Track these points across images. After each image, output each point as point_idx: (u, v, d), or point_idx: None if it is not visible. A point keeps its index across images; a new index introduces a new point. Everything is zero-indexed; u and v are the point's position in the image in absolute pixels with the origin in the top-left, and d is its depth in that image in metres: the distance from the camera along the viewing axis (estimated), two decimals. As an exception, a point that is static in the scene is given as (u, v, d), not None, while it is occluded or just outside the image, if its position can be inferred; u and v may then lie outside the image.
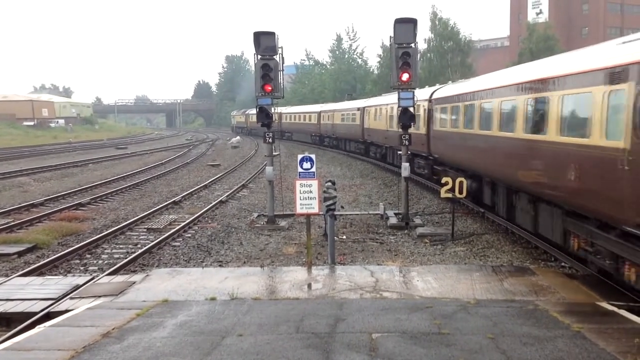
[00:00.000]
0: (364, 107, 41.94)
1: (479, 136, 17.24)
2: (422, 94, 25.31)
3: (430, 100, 24.95)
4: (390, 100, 31.68)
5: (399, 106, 17.56)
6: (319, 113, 57.90)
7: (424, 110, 25.25)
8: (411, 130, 18.46)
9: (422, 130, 25.23)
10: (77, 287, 11.32)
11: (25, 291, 11.09)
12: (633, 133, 8.77)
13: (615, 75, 9.40)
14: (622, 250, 9.54)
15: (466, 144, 18.98)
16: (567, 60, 12.54)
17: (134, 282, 11.53)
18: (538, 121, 12.84)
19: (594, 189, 10.17)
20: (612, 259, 10.02)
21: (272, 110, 17.80)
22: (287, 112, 69.46)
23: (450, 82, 29.78)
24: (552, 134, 11.91)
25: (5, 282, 11.81)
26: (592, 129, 10.17)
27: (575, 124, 11.17)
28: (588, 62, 10.93)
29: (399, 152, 19.49)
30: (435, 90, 25.32)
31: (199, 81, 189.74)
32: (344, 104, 53.84)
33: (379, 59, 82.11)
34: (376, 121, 37.14)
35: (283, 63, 17.55)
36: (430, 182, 25.64)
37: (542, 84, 12.73)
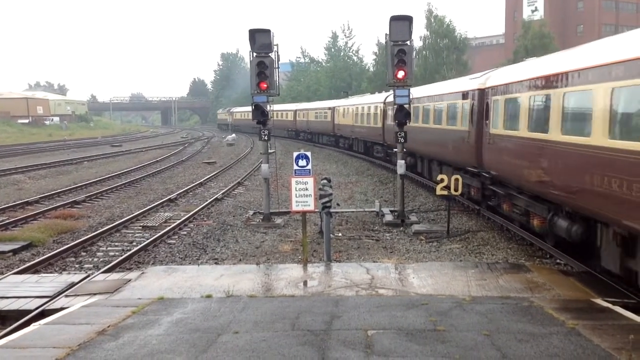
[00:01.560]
0: (334, 107, 50.77)
1: (419, 128, 23.78)
2: (378, 98, 37.36)
3: (384, 102, 33.70)
4: (356, 101, 44.01)
5: (394, 104, 17.57)
6: (295, 111, 66.29)
7: (380, 110, 34.63)
8: (370, 124, 23.44)
9: (379, 124, 34.82)
10: (73, 284, 11.30)
11: (20, 289, 11.07)
12: (470, 122, 17.48)
13: (465, 94, 18.57)
14: (471, 181, 18.41)
15: (411, 135, 20.38)
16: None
17: (130, 280, 11.51)
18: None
19: (458, 151, 18.93)
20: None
21: (268, 108, 17.79)
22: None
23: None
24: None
25: (0, 279, 11.78)
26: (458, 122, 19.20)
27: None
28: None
29: (373, 143, 27.25)
30: (389, 95, 31.12)
31: (195, 79, 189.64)
32: (316, 103, 63.14)
33: (374, 57, 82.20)
34: (345, 118, 46.24)
35: (278, 60, 17.52)
36: (385, 162, 34.69)
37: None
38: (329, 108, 52.46)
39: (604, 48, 10.56)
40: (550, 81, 12.21)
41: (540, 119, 12.73)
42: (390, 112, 28.90)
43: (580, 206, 11.01)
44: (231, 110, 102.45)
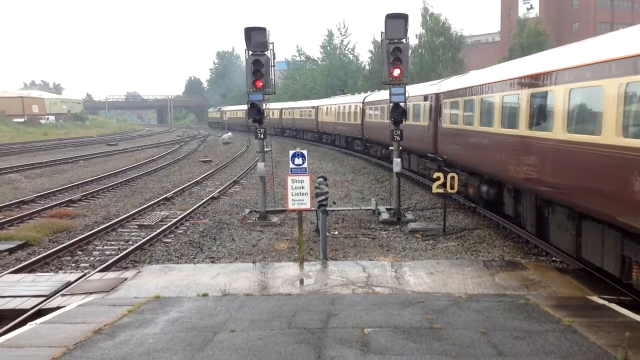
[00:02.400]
0: (317, 106, 55.12)
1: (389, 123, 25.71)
2: (358, 98, 42.20)
3: (363, 102, 38.83)
4: (338, 101, 48.46)
5: (390, 102, 17.59)
6: (281, 110, 71.03)
7: (360, 109, 39.24)
8: (350, 121, 31.92)
9: (359, 122, 39.48)
10: (69, 284, 11.29)
11: (16, 288, 11.05)
12: (429, 119, 21.90)
13: (425, 97, 23.30)
14: (431, 165, 22.73)
15: (381, 130, 31.32)
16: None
17: (126, 279, 11.50)
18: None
19: (421, 141, 23.43)
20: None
21: (264, 106, 17.78)
22: None
23: (378, 90, 42.45)
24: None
25: (-5, 279, 11.76)
26: (421, 119, 24.18)
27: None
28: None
29: (353, 138, 32.30)
30: (367, 96, 39.79)
31: (190, 77, 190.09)
32: (301, 103, 67.84)
33: (370, 55, 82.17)
34: (328, 116, 50.76)
35: (274, 59, 17.52)
36: (363, 154, 40.09)
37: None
38: (313, 107, 56.74)
39: (503, 70, 16.19)
40: (474, 90, 17.40)
41: (469, 116, 17.85)
42: (368, 111, 36.74)
43: (492, 174, 16.18)
44: (222, 109, 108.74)
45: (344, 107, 44.64)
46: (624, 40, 9.54)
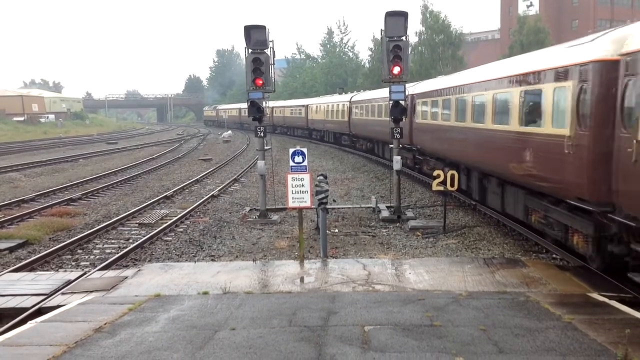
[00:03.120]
0: (307, 105, 59.13)
1: (375, 121, 34.14)
2: (345, 98, 46.49)
3: (350, 101, 43.20)
4: (327, 100, 52.54)
5: (390, 99, 17.58)
6: (272, 108, 72.80)
7: (347, 107, 43.52)
8: (338, 118, 39.46)
9: (346, 119, 43.78)
10: (69, 282, 11.30)
11: (16, 287, 11.07)
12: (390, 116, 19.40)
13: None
14: (407, 154, 26.38)
15: (366, 126, 37.65)
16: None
17: (126, 277, 11.51)
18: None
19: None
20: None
21: (264, 104, 17.76)
22: (244, 107, 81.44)
23: (364, 90, 49.09)
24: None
25: (-4, 278, 11.77)
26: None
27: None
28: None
29: (341, 134, 40.42)
30: (353, 96, 43.97)
31: (190, 75, 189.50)
32: (291, 101, 71.74)
33: (370, 53, 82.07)
34: (317, 114, 54.53)
35: (274, 57, 17.48)
36: (350, 148, 44.72)
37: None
38: (303, 105, 60.71)
39: (458, 78, 20.32)
40: (438, 92, 21.47)
41: (435, 113, 22.01)
42: (354, 110, 41.44)
43: (452, 158, 19.94)
44: (217, 108, 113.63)
45: (333, 105, 48.77)
46: (524, 61, 14.58)
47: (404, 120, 18.08)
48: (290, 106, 67.87)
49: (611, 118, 9.88)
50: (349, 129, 43.70)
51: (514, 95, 13.89)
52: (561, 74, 11.58)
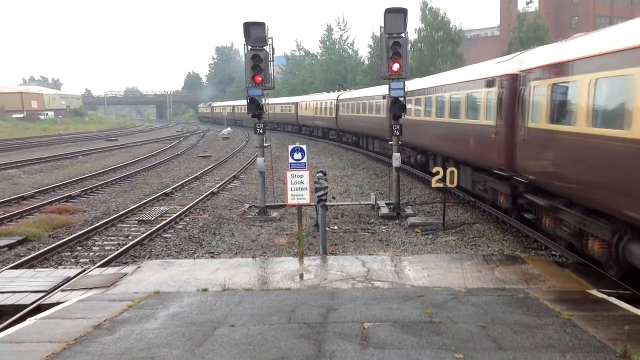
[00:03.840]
0: (297, 102, 63.50)
1: (357, 117, 39.37)
2: (333, 96, 50.96)
3: (337, 99, 47.34)
4: (316, 98, 57.79)
5: (389, 96, 17.58)
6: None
7: (334, 105, 47.62)
8: (326, 115, 47.20)
9: (334, 115, 47.91)
10: (68, 279, 11.30)
11: (16, 284, 11.06)
12: (387, 112, 22.07)
13: (383, 97, 29.45)
14: (384, 145, 32.01)
15: (351, 122, 42.19)
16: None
17: (126, 274, 11.51)
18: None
19: (382, 129, 30.50)
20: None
21: (263, 101, 17.75)
22: (237, 104, 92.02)
23: (351, 89, 54.61)
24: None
25: (-5, 275, 11.76)
26: (381, 112, 32.61)
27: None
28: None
29: (329, 129, 46.99)
30: (340, 95, 48.60)
31: (189, 72, 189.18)
32: (282, 99, 75.32)
33: (369, 49, 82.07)
34: (306, 111, 58.96)
35: (273, 54, 17.47)
36: (337, 142, 48.98)
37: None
38: (294, 103, 65.11)
39: (431, 80, 24.76)
40: (411, 92, 23.39)
41: (409, 110, 23.26)
42: (341, 107, 45.72)
43: (422, 146, 24.69)
44: (212, 105, 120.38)
45: (321, 103, 53.36)
46: (469, 72, 19.53)
47: (403, 116, 18.04)
48: (281, 103, 70.65)
49: (515, 113, 14.20)
50: (336, 125, 48.04)
51: (462, 97, 18.42)
52: (490, 82, 16.03)
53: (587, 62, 10.43)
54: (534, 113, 12.95)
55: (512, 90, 14.37)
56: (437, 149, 22.32)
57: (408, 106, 24.05)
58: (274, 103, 71.07)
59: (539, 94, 12.71)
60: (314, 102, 55.99)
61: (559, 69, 11.81)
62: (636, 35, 8.84)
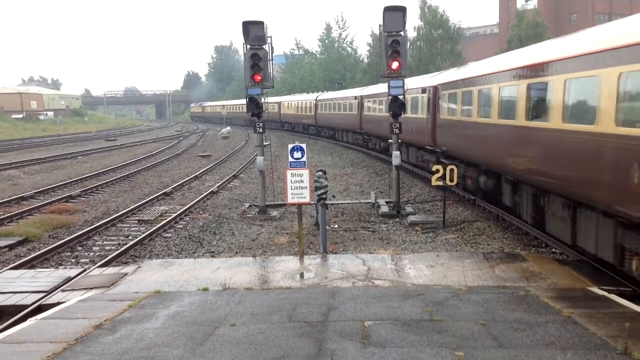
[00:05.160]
0: (280, 102, 69.94)
1: (334, 114, 48.26)
2: (312, 97, 58.61)
3: (316, 100, 55.22)
4: (297, 98, 65.63)
5: (389, 95, 17.58)
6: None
7: (313, 104, 55.85)
8: (306, 113, 58.52)
9: (313, 113, 56.00)
10: (69, 279, 11.30)
11: (16, 284, 11.06)
12: (357, 110, 40.61)
13: (355, 97, 42.17)
14: (356, 137, 43.39)
15: (328, 119, 50.74)
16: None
17: (126, 274, 11.51)
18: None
19: (351, 123, 42.89)
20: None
21: (263, 100, 17.74)
22: (227, 104, 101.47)
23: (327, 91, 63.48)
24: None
25: (-4, 275, 11.76)
26: (353, 110, 42.30)
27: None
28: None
29: (309, 125, 58.89)
30: (319, 95, 56.43)
31: (188, 72, 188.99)
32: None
33: (368, 48, 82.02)
34: (289, 110, 65.82)
35: (272, 52, 17.46)
36: (317, 136, 57.23)
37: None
38: (277, 102, 70.19)
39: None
40: (327, 100, 47.57)
41: (374, 108, 34.32)
42: (320, 106, 53.62)
43: (383, 136, 31.43)
44: (203, 104, 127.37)
45: (302, 102, 60.95)
46: (414, 81, 26.47)
47: (402, 115, 18.05)
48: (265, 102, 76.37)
49: (435, 109, 22.09)
50: (315, 121, 56.40)
51: (412, 99, 24.99)
52: (424, 90, 23.98)
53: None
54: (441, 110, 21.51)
55: (434, 96, 22.62)
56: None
57: (372, 105, 32.04)
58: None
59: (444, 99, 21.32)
60: (296, 102, 63.41)
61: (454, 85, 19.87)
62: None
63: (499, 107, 14.95)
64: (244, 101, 77.90)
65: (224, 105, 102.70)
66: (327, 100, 51.02)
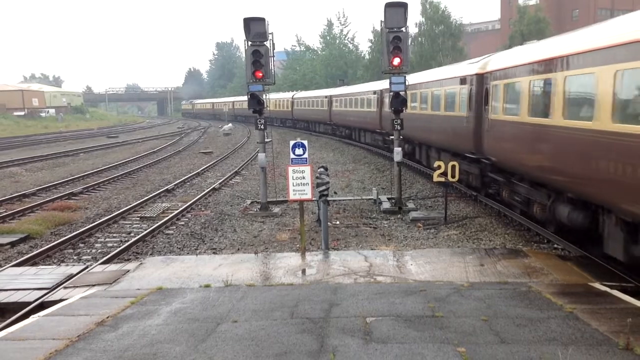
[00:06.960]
0: (292, 97, 73.57)
1: (309, 109, 57.15)
2: (288, 95, 68.21)
3: (292, 97, 63.18)
4: (283, 96, 70.85)
5: (390, 91, 17.56)
6: (233, 102, 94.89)
7: (290, 102, 64.61)
8: (284, 109, 68.61)
9: (290, 109, 65.35)
10: (71, 276, 11.32)
11: (18, 281, 11.08)
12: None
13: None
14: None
15: (304, 114, 61.38)
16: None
17: (128, 271, 11.52)
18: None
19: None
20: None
21: (264, 97, 17.72)
22: (216, 101, 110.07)
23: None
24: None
25: (-2, 272, 11.78)
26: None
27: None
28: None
29: (285, 119, 70.04)
30: (295, 94, 63.55)
31: (190, 68, 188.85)
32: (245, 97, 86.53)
33: (370, 44, 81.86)
34: (277, 108, 70.55)
35: (274, 49, 17.43)
36: (294, 128, 64.55)
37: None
38: (287, 99, 76.22)
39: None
40: (338, 96, 45.42)
41: (343, 105, 43.13)
42: (296, 103, 62.08)
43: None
44: (193, 102, 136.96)
45: (280, 100, 69.01)
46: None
47: (404, 111, 18.03)
48: (247, 100, 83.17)
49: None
50: (292, 116, 65.66)
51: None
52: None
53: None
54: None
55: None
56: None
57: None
58: (243, 100, 78.80)
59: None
60: (275, 100, 68.99)
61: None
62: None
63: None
64: (231, 98, 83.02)
65: (213, 103, 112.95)
66: (303, 97, 56.94)
